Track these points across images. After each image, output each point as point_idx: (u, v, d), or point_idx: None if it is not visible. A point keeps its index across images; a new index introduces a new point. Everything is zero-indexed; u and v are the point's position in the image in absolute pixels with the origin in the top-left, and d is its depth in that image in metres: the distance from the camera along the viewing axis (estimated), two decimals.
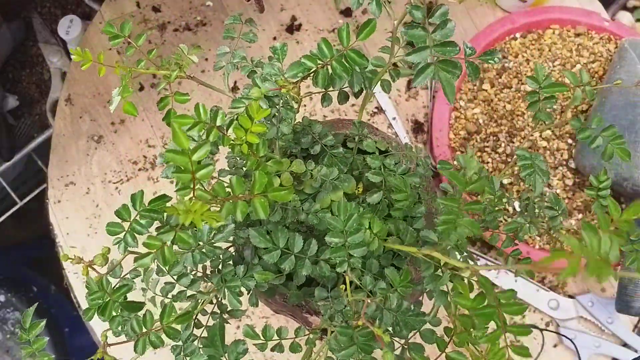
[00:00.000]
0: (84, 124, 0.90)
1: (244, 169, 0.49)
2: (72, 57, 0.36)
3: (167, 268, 0.41)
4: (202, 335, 0.42)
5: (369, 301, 0.37)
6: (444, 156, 0.80)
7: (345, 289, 0.41)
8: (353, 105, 0.88)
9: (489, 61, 0.35)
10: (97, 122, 0.90)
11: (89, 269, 0.36)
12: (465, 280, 0.39)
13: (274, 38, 0.91)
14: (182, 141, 0.26)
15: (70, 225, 0.87)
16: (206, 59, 0.92)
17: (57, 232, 0.86)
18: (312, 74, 0.38)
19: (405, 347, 0.41)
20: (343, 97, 0.46)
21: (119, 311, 0.34)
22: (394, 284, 0.40)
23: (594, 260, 0.23)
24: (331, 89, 0.44)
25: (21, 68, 1.14)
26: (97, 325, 0.82)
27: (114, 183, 0.88)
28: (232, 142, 0.34)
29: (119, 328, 0.36)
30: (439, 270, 0.40)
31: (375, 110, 0.87)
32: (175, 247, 0.30)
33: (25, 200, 1.04)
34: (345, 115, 0.88)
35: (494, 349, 0.32)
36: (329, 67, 0.37)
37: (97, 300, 0.34)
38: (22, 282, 1.05)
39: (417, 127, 0.86)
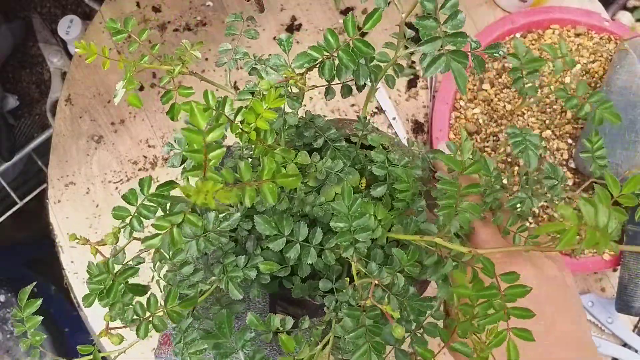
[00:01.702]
0: (84, 124, 0.90)
1: (250, 160, 0.49)
2: (73, 54, 0.36)
3: (170, 255, 0.41)
4: (200, 327, 0.42)
5: (376, 282, 0.37)
6: None
7: (351, 281, 0.41)
8: (353, 105, 0.88)
9: (494, 54, 0.36)
10: (97, 122, 0.90)
11: (97, 252, 0.36)
12: (469, 268, 0.39)
13: (274, 38, 0.91)
14: (199, 121, 0.26)
15: (70, 225, 0.87)
16: (206, 59, 0.92)
17: (57, 232, 0.86)
18: (318, 65, 0.38)
19: (414, 335, 0.41)
20: (347, 91, 0.46)
21: (121, 296, 0.34)
22: (401, 262, 0.40)
23: (592, 230, 0.23)
24: (335, 81, 0.44)
25: (21, 68, 1.14)
26: (97, 325, 0.82)
27: (114, 183, 0.88)
28: (240, 129, 0.34)
29: (119, 315, 0.36)
30: (442, 261, 0.40)
31: (375, 110, 0.87)
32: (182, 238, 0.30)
33: (25, 200, 1.04)
34: (345, 115, 0.88)
35: (495, 332, 0.32)
36: (335, 58, 0.37)
37: (98, 284, 0.34)
38: (22, 282, 1.05)
39: (417, 127, 0.86)
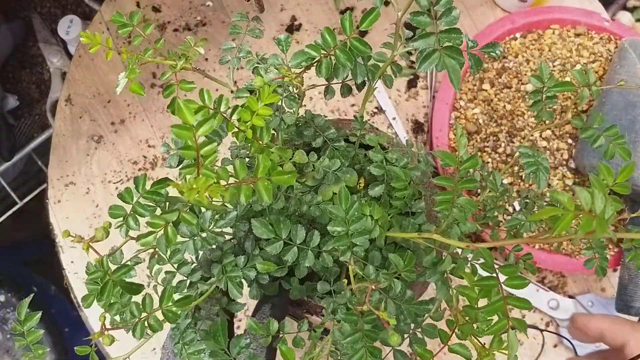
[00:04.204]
0: (84, 124, 0.90)
1: (247, 159, 0.49)
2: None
3: (167, 255, 0.41)
4: (200, 328, 0.42)
5: (373, 287, 0.37)
6: None
7: (348, 282, 0.41)
8: (353, 105, 0.88)
9: (491, 53, 0.35)
10: (97, 122, 0.90)
11: (89, 248, 0.35)
12: (468, 266, 0.38)
13: (274, 38, 0.91)
14: (186, 117, 0.26)
15: (70, 225, 0.87)
16: (206, 59, 0.92)
17: (57, 232, 0.86)
18: (315, 64, 0.38)
19: (414, 335, 0.41)
20: (346, 90, 0.46)
21: (119, 297, 0.34)
22: (398, 269, 0.40)
23: (587, 215, 0.23)
24: (334, 81, 0.44)
25: (21, 68, 1.14)
26: (97, 325, 0.82)
27: (114, 183, 0.88)
28: (236, 127, 0.34)
29: (117, 315, 0.36)
30: (440, 260, 0.40)
31: (375, 110, 0.87)
32: (177, 237, 0.30)
33: (25, 200, 1.04)
34: (345, 115, 0.88)
35: (498, 340, 0.32)
36: (332, 57, 0.37)
37: (95, 284, 0.34)
38: (22, 282, 1.05)
39: (417, 127, 0.86)
